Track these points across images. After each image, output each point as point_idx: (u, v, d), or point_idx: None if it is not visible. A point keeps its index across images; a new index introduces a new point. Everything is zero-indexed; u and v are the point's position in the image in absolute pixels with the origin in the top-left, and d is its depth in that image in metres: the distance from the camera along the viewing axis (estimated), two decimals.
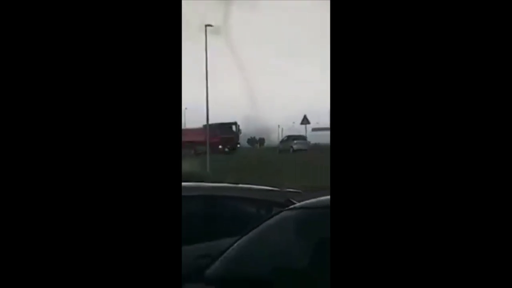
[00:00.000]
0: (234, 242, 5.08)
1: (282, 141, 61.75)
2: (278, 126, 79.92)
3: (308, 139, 59.88)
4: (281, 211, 5.31)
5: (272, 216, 5.35)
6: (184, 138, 61.97)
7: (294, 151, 54.63)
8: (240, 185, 7.23)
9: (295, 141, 58.60)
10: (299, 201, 5.76)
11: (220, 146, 58.55)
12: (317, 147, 53.78)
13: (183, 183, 7.54)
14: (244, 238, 5.08)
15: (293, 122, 64.26)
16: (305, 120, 56.82)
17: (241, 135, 67.64)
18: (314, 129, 63.72)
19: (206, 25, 44.40)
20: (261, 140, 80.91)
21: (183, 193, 6.45)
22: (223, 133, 61.50)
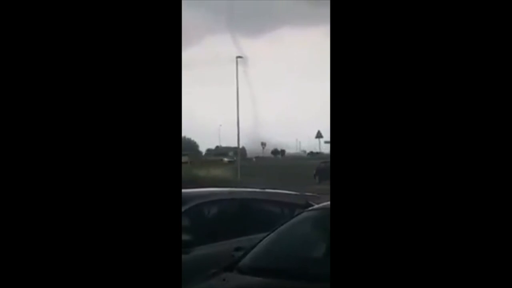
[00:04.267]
0: (264, 238, 5.12)
1: None
2: (296, 139, 79.76)
3: (322, 150, 60.62)
4: (302, 212, 5.36)
5: (295, 216, 5.39)
6: None
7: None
8: (268, 190, 7.27)
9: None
10: (317, 203, 5.79)
11: None
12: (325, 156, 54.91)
13: (222, 189, 7.67)
14: (272, 234, 5.11)
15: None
16: (319, 135, 56.96)
17: (265, 148, 67.61)
18: (326, 142, 63.86)
19: (237, 57, 44.69)
20: (282, 152, 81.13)
21: (222, 197, 6.61)
22: None
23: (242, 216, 6.36)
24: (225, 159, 62.92)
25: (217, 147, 71.11)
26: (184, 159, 44.21)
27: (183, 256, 5.55)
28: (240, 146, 52.12)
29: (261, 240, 5.07)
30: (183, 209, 5.98)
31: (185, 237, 5.70)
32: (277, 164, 53.48)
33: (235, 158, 60.69)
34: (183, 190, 7.02)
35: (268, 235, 5.11)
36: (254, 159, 59.71)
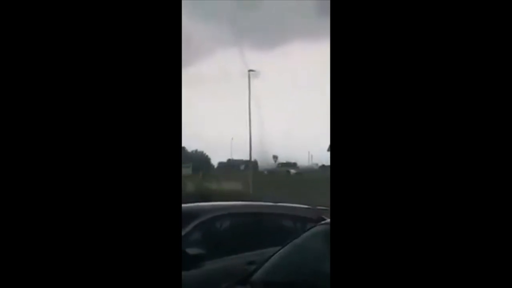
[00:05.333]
0: (276, 251, 5.13)
1: None
2: (308, 152, 79.68)
3: None
4: (315, 226, 5.36)
5: (307, 230, 5.40)
6: None
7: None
8: (280, 204, 7.26)
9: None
10: (329, 217, 5.79)
11: None
12: None
13: (234, 203, 7.68)
14: (285, 248, 5.12)
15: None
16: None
17: (277, 161, 67.32)
18: None
19: (249, 70, 44.69)
20: (294, 164, 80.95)
21: (235, 211, 6.61)
22: None
23: (255, 230, 6.36)
24: (292, 171, 61.49)
25: (229, 160, 71.01)
26: (186, 171, 43.42)
27: (196, 270, 5.62)
28: (252, 160, 52.04)
29: (274, 254, 5.08)
30: (196, 223, 6.00)
31: (198, 251, 5.73)
32: (290, 177, 53.11)
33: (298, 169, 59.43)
34: (195, 204, 7.08)
35: (281, 249, 5.11)
36: (265, 172, 59.39)
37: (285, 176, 52.06)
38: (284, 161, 67.26)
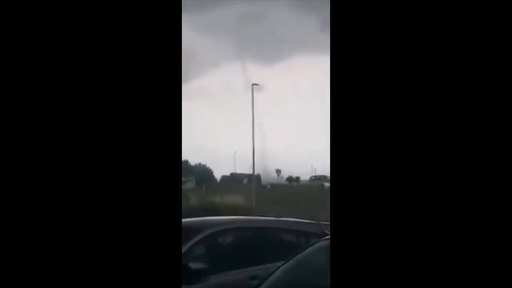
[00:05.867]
0: (279, 266, 5.12)
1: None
2: (311, 166, 79.61)
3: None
4: (318, 241, 5.36)
5: (310, 245, 5.40)
6: None
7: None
8: (283, 219, 7.26)
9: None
10: None
11: None
12: None
13: (238, 217, 7.67)
14: (288, 263, 5.12)
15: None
16: None
17: (280, 174, 67.16)
18: None
19: (252, 84, 44.81)
20: (297, 179, 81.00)
21: (237, 225, 6.61)
22: None
23: (258, 245, 6.36)
24: (327, 184, 60.31)
25: (232, 174, 70.82)
26: (189, 185, 43.17)
27: (199, 285, 5.60)
28: (255, 173, 51.91)
29: (277, 269, 5.08)
30: (199, 237, 6.00)
31: (201, 265, 5.73)
32: (294, 191, 52.68)
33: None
34: (199, 218, 7.07)
35: (283, 264, 5.11)
36: (268, 186, 59.17)
37: (319, 189, 51.31)
38: (319, 174, 66.46)
